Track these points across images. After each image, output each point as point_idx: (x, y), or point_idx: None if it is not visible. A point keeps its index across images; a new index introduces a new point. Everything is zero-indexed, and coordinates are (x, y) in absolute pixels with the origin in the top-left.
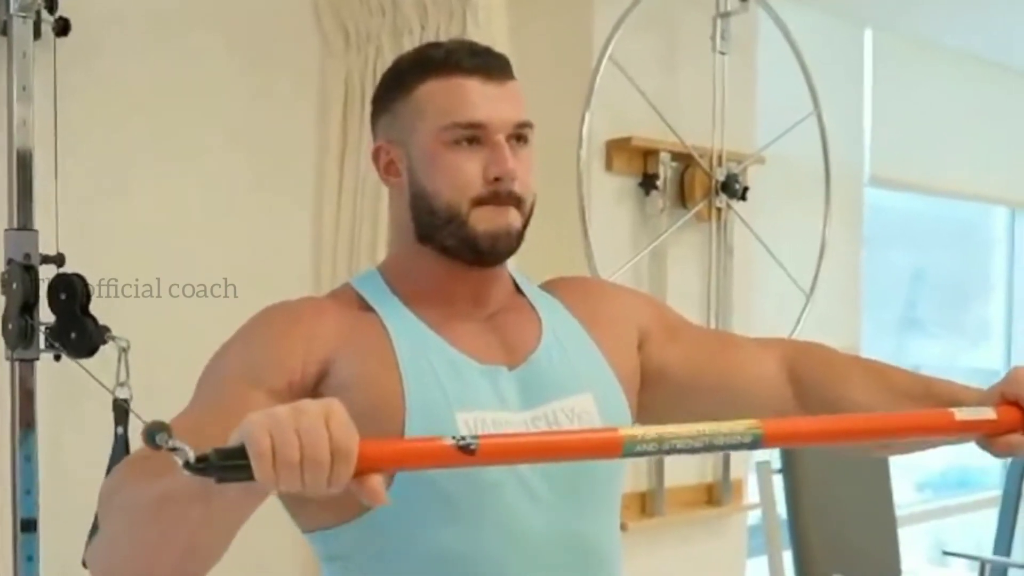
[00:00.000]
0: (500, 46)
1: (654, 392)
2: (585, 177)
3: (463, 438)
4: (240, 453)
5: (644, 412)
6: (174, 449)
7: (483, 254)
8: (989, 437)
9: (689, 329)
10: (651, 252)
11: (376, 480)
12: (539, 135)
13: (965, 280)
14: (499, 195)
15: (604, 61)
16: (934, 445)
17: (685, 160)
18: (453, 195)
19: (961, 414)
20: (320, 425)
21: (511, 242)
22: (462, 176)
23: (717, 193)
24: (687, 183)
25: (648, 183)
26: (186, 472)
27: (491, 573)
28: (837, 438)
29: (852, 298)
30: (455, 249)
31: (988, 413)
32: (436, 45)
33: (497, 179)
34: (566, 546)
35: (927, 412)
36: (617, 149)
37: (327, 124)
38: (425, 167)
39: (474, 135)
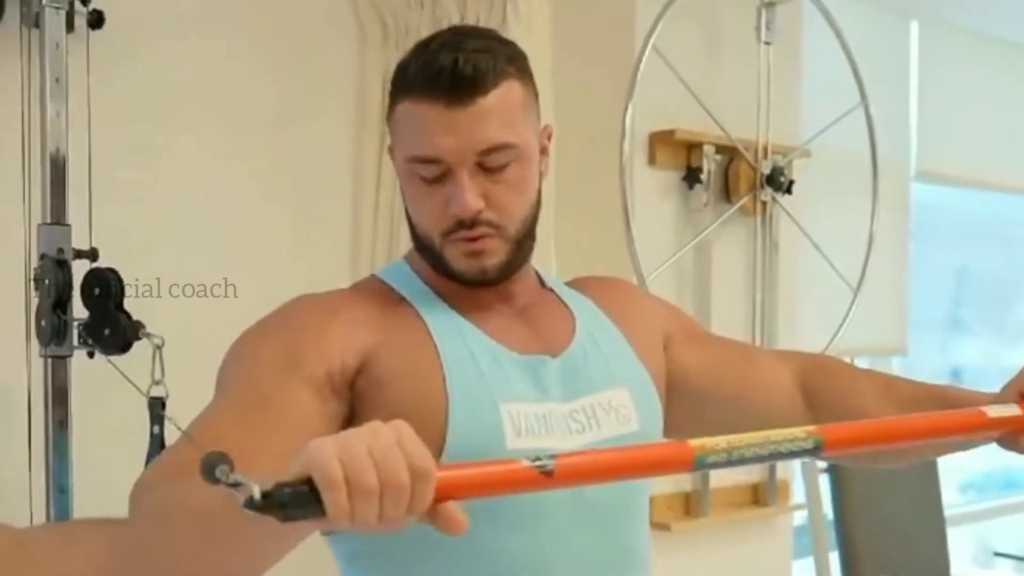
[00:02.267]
0: (541, 38)
1: (674, 398)
2: (628, 171)
3: (538, 459)
4: (307, 487)
5: (665, 421)
6: (236, 484)
7: (470, 284)
8: (1013, 434)
9: (710, 338)
10: (695, 247)
11: (453, 507)
12: (580, 128)
13: (1009, 278)
14: (463, 225)
15: (647, 52)
16: (954, 450)
17: (729, 153)
18: (423, 227)
19: (992, 412)
20: (394, 445)
21: (493, 274)
22: (427, 211)
23: (762, 187)
24: (731, 176)
25: (692, 177)
26: (248, 512)
27: (529, 574)
28: (887, 440)
29: (898, 295)
30: (448, 276)
31: (1014, 410)
32: (419, 51)
33: (454, 215)
34: (607, 550)
35: (962, 412)
36: (660, 142)
37: (365, 119)
38: (403, 189)
39: (434, 170)
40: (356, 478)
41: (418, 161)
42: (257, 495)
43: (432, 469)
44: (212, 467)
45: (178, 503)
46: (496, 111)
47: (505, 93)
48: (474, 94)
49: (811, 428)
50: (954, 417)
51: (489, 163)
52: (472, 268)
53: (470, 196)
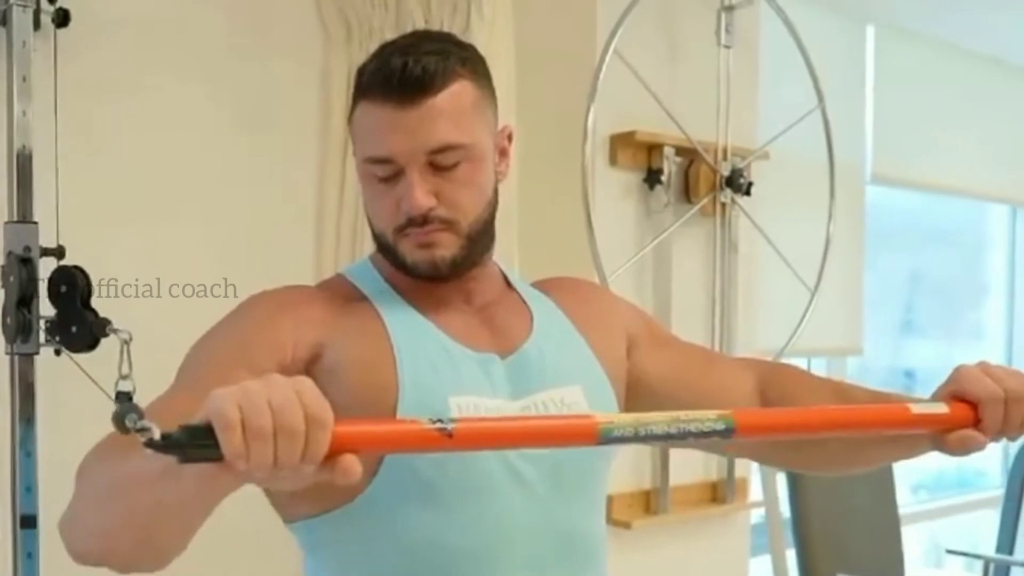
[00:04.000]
0: (504, 40)
1: (634, 400)
2: (589, 172)
3: (439, 420)
4: (207, 430)
5: None
6: (141, 430)
7: (425, 279)
8: (942, 435)
9: (674, 343)
10: (655, 247)
11: (350, 458)
12: (543, 129)
13: (962, 282)
14: (414, 222)
15: (608, 55)
16: (896, 459)
17: (689, 155)
18: (378, 225)
19: (916, 408)
20: (292, 395)
21: (444, 268)
22: (381, 210)
23: (722, 188)
24: (691, 178)
25: (652, 178)
26: (149, 451)
27: (474, 562)
28: (803, 429)
29: (855, 296)
30: (404, 271)
31: (941, 408)
32: (376, 54)
33: (406, 212)
34: (551, 538)
35: (886, 406)
36: (621, 143)
37: (330, 117)
38: (363, 193)
39: (386, 169)
40: (252, 420)
41: (372, 161)
42: (157, 435)
43: (328, 418)
44: (122, 416)
45: (110, 469)
46: (446, 111)
47: (456, 94)
48: (423, 95)
49: (724, 411)
50: (876, 411)
51: (440, 162)
52: (424, 260)
53: (420, 194)
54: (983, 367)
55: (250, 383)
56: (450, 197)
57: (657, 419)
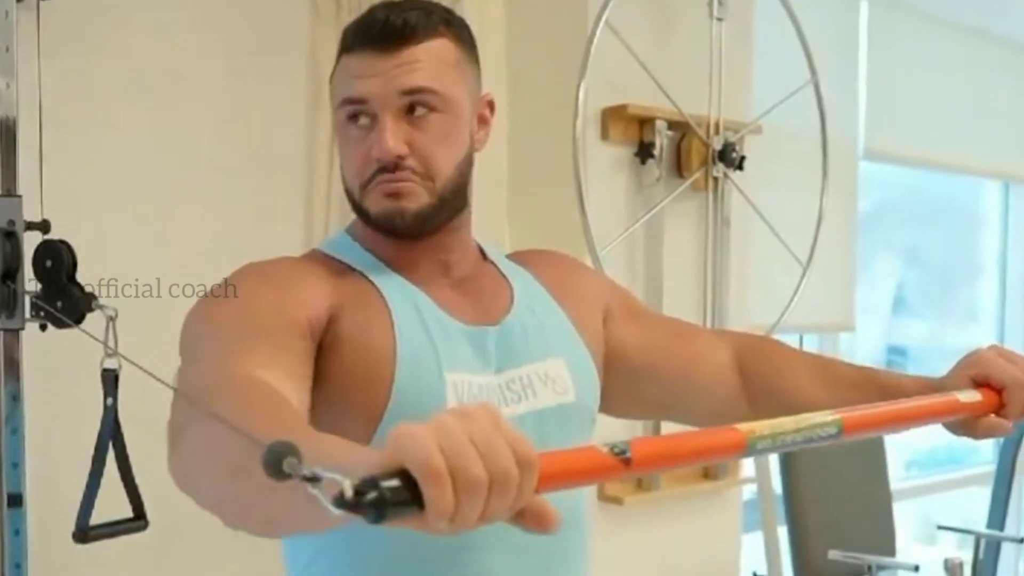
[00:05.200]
0: (495, 13)
1: (611, 373)
2: (581, 146)
3: (615, 446)
4: (405, 483)
5: (602, 396)
6: (312, 480)
7: (391, 232)
8: (972, 420)
9: (650, 316)
10: (647, 222)
11: (543, 503)
12: (534, 104)
13: (954, 260)
14: (385, 170)
15: (600, 27)
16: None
17: (682, 129)
18: (349, 177)
19: (962, 397)
20: (496, 432)
21: (410, 219)
22: (352, 159)
23: (714, 162)
24: (684, 152)
25: (644, 152)
26: (336, 511)
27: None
28: (884, 425)
29: (847, 273)
30: (371, 224)
31: (976, 396)
32: (368, 13)
33: (377, 159)
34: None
35: (938, 398)
36: (613, 117)
37: (319, 94)
38: (338, 146)
39: (359, 111)
40: (462, 470)
41: (346, 103)
42: (349, 492)
43: (537, 458)
44: (278, 460)
45: (219, 450)
46: (423, 61)
47: (435, 47)
48: (402, 43)
49: (835, 415)
50: (932, 404)
51: (414, 107)
52: (389, 209)
53: (390, 138)
54: (997, 351)
55: (445, 418)
56: (422, 149)
57: (788, 426)
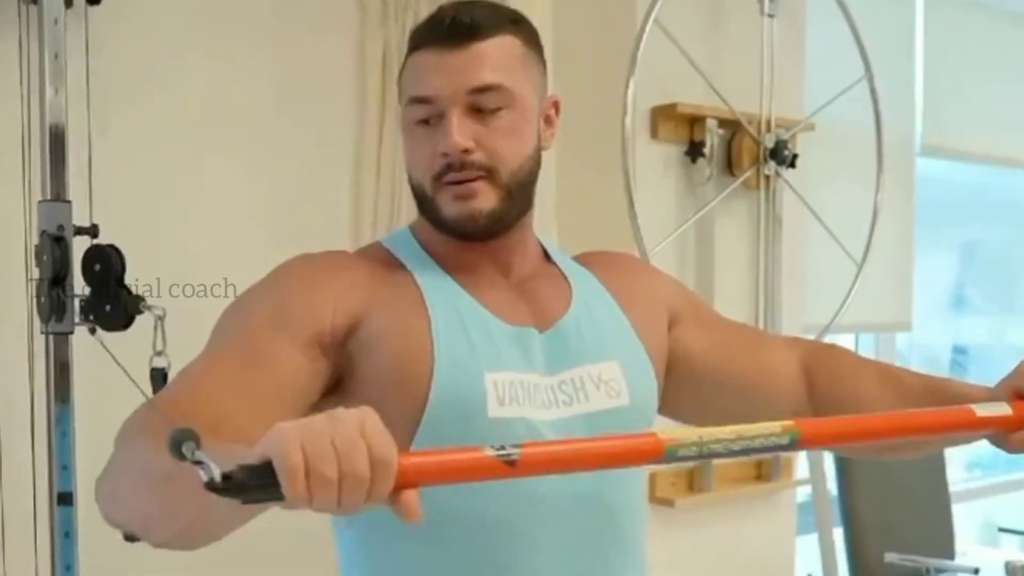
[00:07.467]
0: (543, 11)
1: (675, 378)
2: (630, 145)
3: (503, 448)
4: (267, 471)
5: (664, 400)
6: (199, 463)
7: (463, 236)
8: (1003, 433)
9: (719, 322)
10: (697, 222)
11: (412, 496)
12: (582, 103)
13: (1015, 255)
14: (452, 168)
15: (648, 25)
16: (951, 445)
17: (732, 127)
18: (417, 174)
19: (980, 410)
20: (357, 435)
21: (483, 221)
22: (420, 155)
23: (766, 160)
24: (734, 151)
25: (694, 151)
26: (209, 493)
27: (502, 535)
28: (868, 436)
29: (904, 270)
30: (441, 227)
31: (1004, 409)
32: (436, 12)
33: (444, 154)
34: (584, 511)
35: (949, 409)
36: (662, 116)
37: (366, 96)
38: (404, 146)
39: (428, 110)
40: (316, 467)
41: (413, 102)
42: (217, 477)
43: (393, 460)
44: (179, 443)
45: (150, 460)
46: (491, 56)
47: (503, 44)
48: (470, 39)
49: (787, 424)
50: (940, 415)
51: (481, 104)
52: (462, 212)
53: (457, 133)
54: None
55: (315, 420)
56: (489, 144)
57: (719, 435)
